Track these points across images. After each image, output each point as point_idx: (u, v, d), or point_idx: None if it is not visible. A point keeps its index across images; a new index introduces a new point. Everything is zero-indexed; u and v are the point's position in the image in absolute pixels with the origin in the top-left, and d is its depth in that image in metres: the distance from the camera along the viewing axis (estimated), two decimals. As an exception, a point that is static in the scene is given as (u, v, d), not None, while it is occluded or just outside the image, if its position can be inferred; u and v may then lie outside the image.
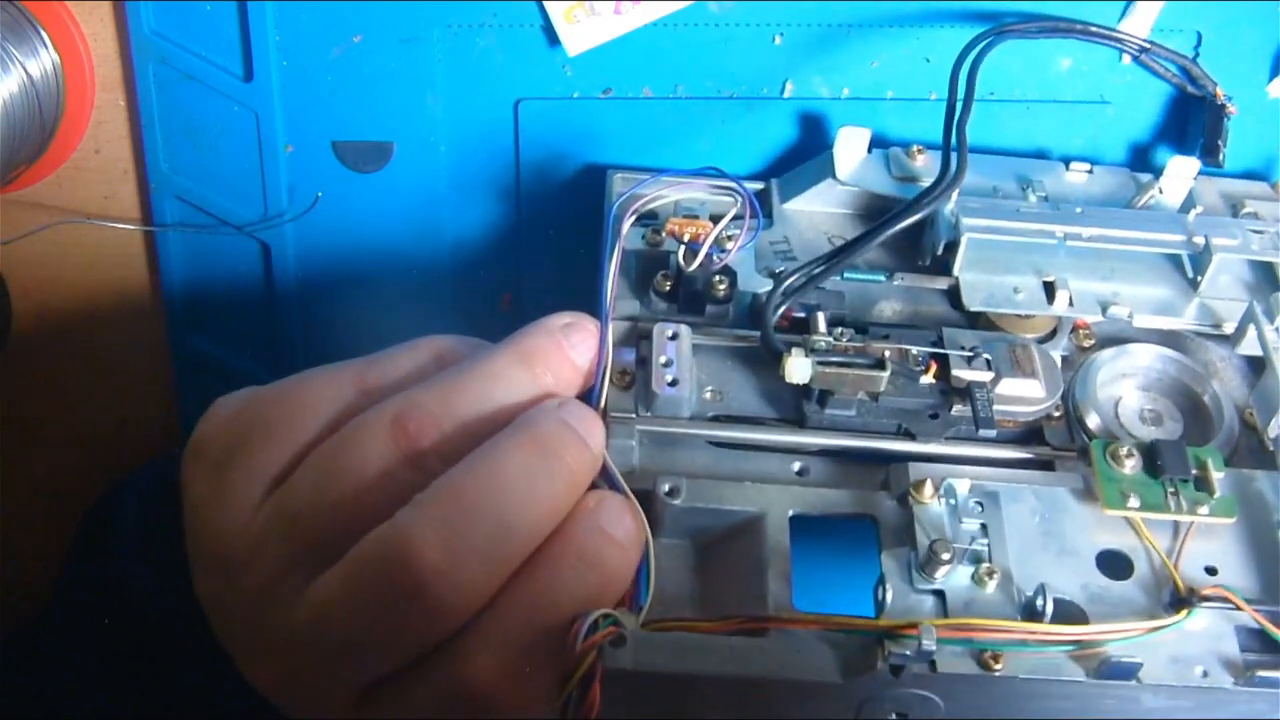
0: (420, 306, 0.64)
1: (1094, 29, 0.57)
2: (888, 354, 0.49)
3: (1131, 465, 0.47)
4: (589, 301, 0.63)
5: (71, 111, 0.59)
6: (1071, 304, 0.53)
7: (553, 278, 0.64)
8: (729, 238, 0.53)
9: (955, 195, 0.53)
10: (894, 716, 0.43)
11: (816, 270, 0.52)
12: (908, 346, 0.50)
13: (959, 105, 0.53)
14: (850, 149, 0.58)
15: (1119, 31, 0.58)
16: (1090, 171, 0.60)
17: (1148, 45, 0.58)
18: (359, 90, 0.59)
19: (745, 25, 0.58)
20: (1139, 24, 0.58)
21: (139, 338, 0.65)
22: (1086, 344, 0.54)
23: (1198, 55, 0.59)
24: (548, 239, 0.63)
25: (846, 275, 0.55)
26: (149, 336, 0.65)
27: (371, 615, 0.43)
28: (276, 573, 0.47)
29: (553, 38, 0.58)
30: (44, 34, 0.57)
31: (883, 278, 0.56)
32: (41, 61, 0.58)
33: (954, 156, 0.52)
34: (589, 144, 0.61)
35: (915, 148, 0.58)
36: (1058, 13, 0.57)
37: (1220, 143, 0.58)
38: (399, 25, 0.58)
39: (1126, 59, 0.59)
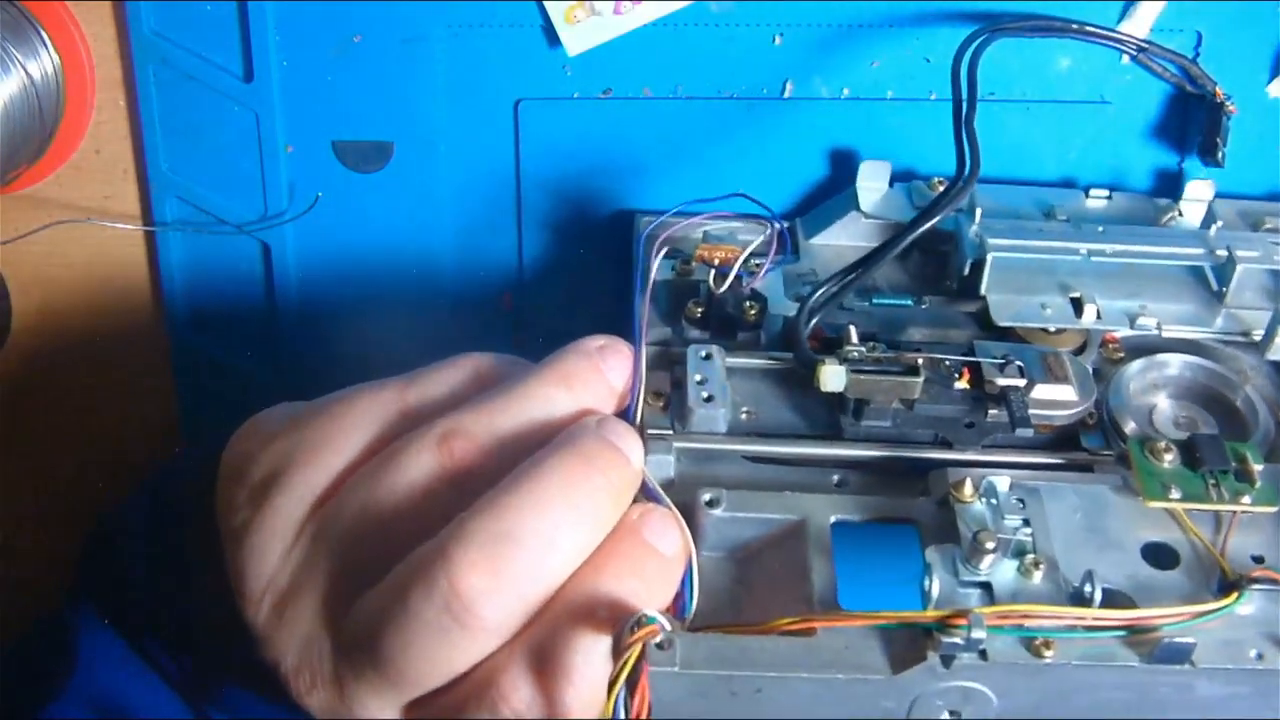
0: (420, 306, 0.64)
1: (1090, 28, 0.57)
2: (921, 361, 0.49)
3: (1170, 460, 0.46)
4: (589, 301, 0.64)
5: (71, 111, 0.59)
6: (1100, 317, 0.53)
7: (553, 278, 0.64)
8: (757, 264, 0.53)
9: (972, 192, 0.54)
10: (946, 715, 0.43)
11: (849, 279, 0.52)
12: (940, 356, 0.50)
13: (964, 104, 0.53)
14: (872, 182, 0.59)
15: (1117, 31, 0.58)
16: (1109, 197, 0.60)
17: (1146, 45, 0.58)
18: (359, 90, 0.59)
19: (745, 25, 0.58)
20: (1139, 24, 0.58)
21: (139, 338, 0.65)
22: (1116, 357, 0.54)
23: (1198, 55, 0.59)
24: (548, 239, 0.63)
25: (875, 301, 0.56)
26: (149, 336, 0.65)
27: (414, 634, 0.43)
28: (323, 595, 0.47)
29: (553, 38, 0.58)
30: (44, 34, 0.57)
31: (910, 302, 0.56)
32: (41, 61, 0.58)
33: (967, 155, 0.52)
34: (589, 144, 0.61)
35: (936, 179, 0.59)
36: (1057, 13, 0.57)
37: (1219, 142, 0.58)
38: (399, 25, 0.58)
39: (1126, 59, 0.59)
